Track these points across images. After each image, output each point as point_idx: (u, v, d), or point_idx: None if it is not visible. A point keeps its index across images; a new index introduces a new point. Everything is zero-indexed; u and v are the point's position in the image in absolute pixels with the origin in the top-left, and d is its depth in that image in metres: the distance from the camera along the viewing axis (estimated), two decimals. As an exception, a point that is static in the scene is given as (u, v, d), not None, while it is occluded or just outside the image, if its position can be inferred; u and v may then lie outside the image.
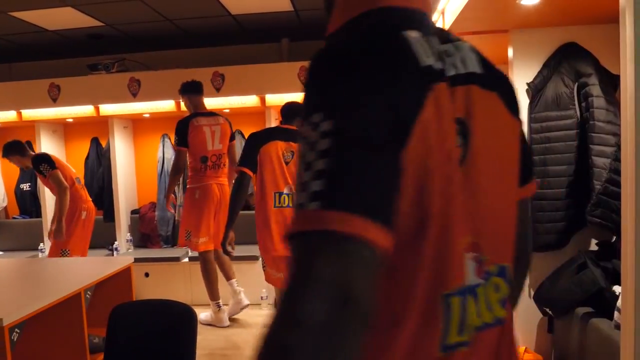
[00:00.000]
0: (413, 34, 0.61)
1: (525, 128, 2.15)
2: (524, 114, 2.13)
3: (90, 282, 2.32)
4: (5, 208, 5.79)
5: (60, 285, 2.22)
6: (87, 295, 2.30)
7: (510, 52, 2.19)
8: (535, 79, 2.17)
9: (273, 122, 5.04)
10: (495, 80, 0.73)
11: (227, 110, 5.09)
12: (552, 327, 2.18)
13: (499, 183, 0.68)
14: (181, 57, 5.56)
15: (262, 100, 4.86)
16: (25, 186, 5.66)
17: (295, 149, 2.88)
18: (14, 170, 5.73)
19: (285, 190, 2.92)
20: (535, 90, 2.16)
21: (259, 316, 4.45)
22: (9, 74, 5.84)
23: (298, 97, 4.07)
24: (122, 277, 2.66)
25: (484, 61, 0.72)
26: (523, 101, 2.14)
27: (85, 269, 2.59)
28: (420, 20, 0.66)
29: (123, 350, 2.19)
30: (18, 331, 1.83)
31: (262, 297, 4.63)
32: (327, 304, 0.48)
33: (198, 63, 5.13)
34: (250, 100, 4.87)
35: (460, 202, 0.59)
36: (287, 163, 2.96)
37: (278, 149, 2.93)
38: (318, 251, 0.50)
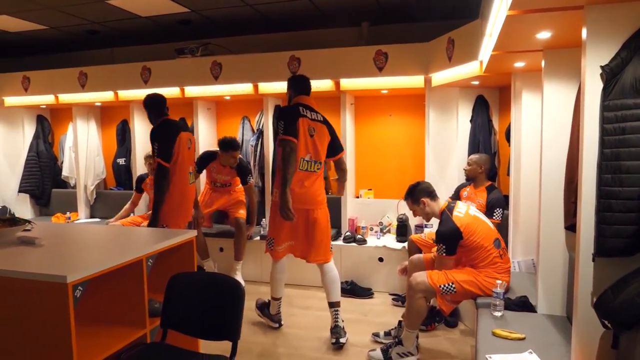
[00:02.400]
0: (301, 108, 3.53)
1: (596, 117, 1.96)
2: (596, 101, 1.94)
3: (152, 251, 2.49)
4: (104, 180, 6.37)
5: (125, 252, 2.41)
6: (149, 263, 2.46)
7: (584, 32, 1.99)
8: (611, 61, 1.94)
9: (347, 106, 5.04)
10: (323, 119, 3.68)
11: (303, 94, 5.16)
12: (617, 343, 1.95)
13: (322, 146, 3.55)
14: (261, 41, 5.71)
15: (337, 84, 4.86)
16: (121, 160, 6.17)
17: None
18: (112, 145, 6.28)
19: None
20: (610, 74, 1.94)
21: (322, 299, 4.50)
22: (112, 58, 6.36)
23: (372, 81, 4.09)
24: (186, 249, 2.83)
25: (319, 113, 3.67)
26: (596, 87, 1.95)
27: (152, 239, 2.78)
28: (304, 106, 3.56)
29: (177, 315, 2.34)
30: (81, 289, 2.01)
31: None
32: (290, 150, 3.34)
33: (276, 47, 5.24)
34: (325, 85, 4.89)
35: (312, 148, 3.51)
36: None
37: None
38: (286, 143, 3.34)
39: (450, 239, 3.12)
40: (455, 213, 3.19)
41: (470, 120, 4.63)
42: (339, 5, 4.84)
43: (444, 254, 3.15)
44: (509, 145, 3.95)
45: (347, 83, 4.82)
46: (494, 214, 3.93)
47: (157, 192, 3.61)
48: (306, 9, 4.93)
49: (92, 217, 6.16)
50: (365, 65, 4.69)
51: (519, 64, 3.33)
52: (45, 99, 6.03)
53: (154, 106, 3.88)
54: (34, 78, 6.06)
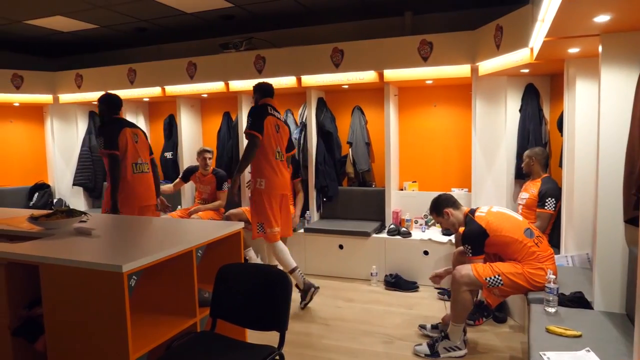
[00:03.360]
0: (269, 107, 4.05)
1: None
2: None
3: (201, 242, 2.54)
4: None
5: (176, 242, 2.47)
6: (199, 254, 2.52)
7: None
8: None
9: (391, 97, 4.97)
10: (284, 120, 4.57)
11: (346, 86, 5.14)
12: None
13: (283, 141, 4.14)
14: (303, 34, 5.71)
15: (380, 75, 4.80)
16: (168, 154, 6.33)
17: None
18: (160, 139, 6.45)
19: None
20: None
21: (367, 292, 4.51)
22: (158, 54, 6.53)
23: (416, 71, 4.03)
24: (233, 241, 2.88)
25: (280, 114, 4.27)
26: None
27: (201, 231, 2.84)
28: (271, 106, 4.10)
29: (226, 305, 2.39)
30: (135, 278, 2.08)
31: (372, 274, 4.66)
32: (253, 145, 3.86)
33: (319, 40, 5.23)
34: (368, 76, 4.84)
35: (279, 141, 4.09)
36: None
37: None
38: (250, 137, 3.85)
39: (475, 238, 3.15)
40: (477, 214, 3.23)
41: (520, 110, 4.47)
42: (382, -5, 4.78)
43: (471, 255, 3.17)
44: (562, 135, 3.80)
45: (390, 74, 4.76)
46: (546, 204, 3.80)
47: (113, 180, 3.93)
48: (349, 1, 4.88)
49: (141, 209, 6.36)
50: (410, 55, 4.61)
51: (574, 50, 3.19)
52: (97, 96, 6.22)
53: (109, 104, 4.18)
54: (86, 75, 6.30)
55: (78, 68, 6.41)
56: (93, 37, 6.23)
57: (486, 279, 3.04)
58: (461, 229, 3.34)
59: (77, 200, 6.63)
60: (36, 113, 6.75)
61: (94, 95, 6.26)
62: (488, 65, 4.27)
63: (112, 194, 3.92)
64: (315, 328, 3.69)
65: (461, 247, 3.73)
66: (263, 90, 4.20)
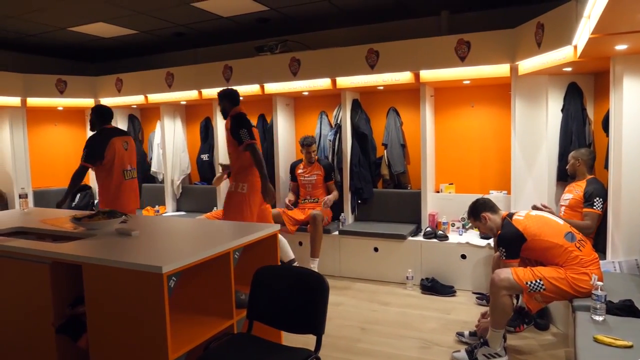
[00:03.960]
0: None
1: None
2: None
3: (239, 244, 2.56)
4: (189, 175, 6.68)
5: (214, 244, 2.49)
6: (236, 256, 2.53)
7: None
8: None
9: (427, 98, 4.90)
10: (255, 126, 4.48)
11: (381, 88, 5.09)
12: None
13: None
14: (338, 36, 5.70)
15: (416, 76, 4.73)
16: (205, 156, 6.42)
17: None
18: (196, 142, 6.56)
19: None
20: None
21: (403, 295, 4.45)
22: (195, 58, 6.64)
23: (453, 71, 3.96)
24: (269, 243, 2.89)
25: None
26: None
27: (238, 233, 2.86)
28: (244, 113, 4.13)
29: (263, 307, 2.39)
30: (175, 279, 2.11)
31: (407, 277, 4.60)
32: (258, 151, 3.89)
33: (354, 41, 5.20)
34: (404, 77, 4.78)
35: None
36: None
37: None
38: (253, 147, 3.89)
39: (511, 241, 3.08)
40: (515, 217, 3.17)
41: (562, 110, 4.32)
42: (418, -5, 4.72)
43: (504, 257, 3.10)
44: (607, 136, 3.65)
45: (427, 74, 4.68)
46: (594, 204, 3.65)
47: (70, 188, 4.14)
48: (385, 1, 4.84)
49: (178, 210, 6.48)
50: (447, 55, 4.53)
51: (621, 47, 3.05)
52: (136, 99, 6.42)
53: (99, 116, 4.32)
54: (126, 80, 6.46)
55: (118, 72, 6.58)
56: (133, 43, 6.39)
57: (527, 283, 2.95)
58: (499, 232, 3.26)
59: (117, 201, 6.80)
60: (78, 116, 6.97)
61: (133, 99, 6.43)
62: (528, 64, 4.15)
63: (65, 196, 4.16)
64: (351, 331, 3.66)
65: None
66: (233, 98, 4.17)
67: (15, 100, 6.05)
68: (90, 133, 4.47)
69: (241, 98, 4.25)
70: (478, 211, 3.34)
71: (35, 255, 2.46)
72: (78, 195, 6.67)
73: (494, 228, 3.30)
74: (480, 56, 4.42)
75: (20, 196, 4.02)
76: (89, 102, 6.68)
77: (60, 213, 3.77)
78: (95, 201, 6.79)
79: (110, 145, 4.16)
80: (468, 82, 4.74)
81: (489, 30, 4.44)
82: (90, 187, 6.87)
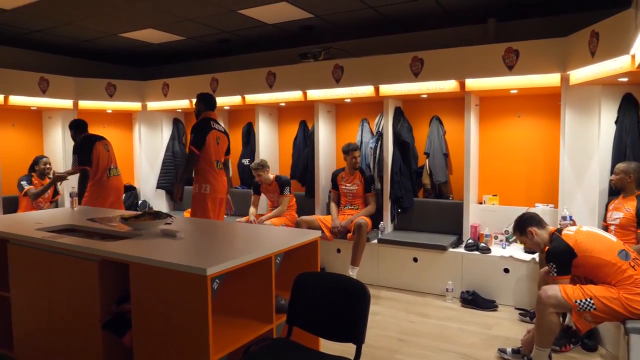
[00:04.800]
0: (211, 122, 4.37)
1: None
2: None
3: (280, 249, 2.56)
4: (230, 179, 6.76)
5: (256, 248, 2.51)
6: (277, 261, 2.54)
7: None
8: None
9: (472, 107, 4.80)
10: (224, 130, 4.57)
11: (425, 96, 5.03)
12: None
13: (223, 151, 4.51)
14: (382, 43, 5.68)
15: (462, 84, 4.65)
16: (246, 161, 6.49)
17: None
18: (238, 146, 6.65)
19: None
20: None
21: (442, 307, 4.36)
22: (238, 64, 6.75)
23: (500, 80, 3.87)
24: (310, 249, 2.88)
25: (221, 125, 4.57)
26: None
27: (279, 237, 2.87)
28: (213, 120, 4.43)
29: (302, 313, 2.38)
30: (218, 281, 2.13)
31: (447, 289, 4.50)
32: (191, 161, 4.28)
33: (398, 48, 5.17)
34: (448, 85, 4.71)
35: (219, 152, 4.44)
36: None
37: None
38: (191, 154, 4.27)
39: (561, 257, 2.97)
40: (564, 232, 3.06)
41: (616, 122, 4.15)
42: (464, 3, 4.64)
43: (555, 274, 2.98)
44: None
45: (472, 83, 4.60)
46: None
47: (81, 189, 4.76)
48: (430, 9, 4.79)
49: (218, 213, 6.57)
50: (494, 64, 4.43)
51: (683, 57, 2.91)
52: (181, 104, 6.57)
53: (77, 128, 5.03)
54: (172, 84, 6.63)
55: (164, 77, 6.77)
56: (179, 48, 6.56)
57: (576, 301, 2.83)
58: (546, 248, 3.15)
59: (159, 202, 6.98)
60: (126, 119, 7.20)
61: (179, 103, 6.59)
62: (581, 74, 4.01)
63: (79, 197, 4.65)
64: (389, 342, 3.60)
65: (546, 267, 3.52)
66: (208, 103, 4.48)
67: (67, 103, 6.30)
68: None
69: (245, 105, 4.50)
70: (524, 226, 3.25)
71: (85, 252, 2.53)
72: (123, 196, 6.86)
73: (541, 243, 3.20)
74: (529, 65, 4.30)
75: (70, 195, 4.17)
76: (136, 106, 6.89)
77: (107, 212, 3.88)
78: (140, 201, 6.99)
79: (95, 149, 4.86)
80: (515, 91, 4.62)
81: (537, 39, 4.33)
82: (135, 188, 7.07)
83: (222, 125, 4.69)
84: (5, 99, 5.64)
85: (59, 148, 6.33)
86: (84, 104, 6.42)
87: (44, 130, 6.55)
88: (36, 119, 6.51)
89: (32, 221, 3.40)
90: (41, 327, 2.83)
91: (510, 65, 4.36)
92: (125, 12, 4.96)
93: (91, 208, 4.43)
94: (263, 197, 5.65)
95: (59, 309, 2.71)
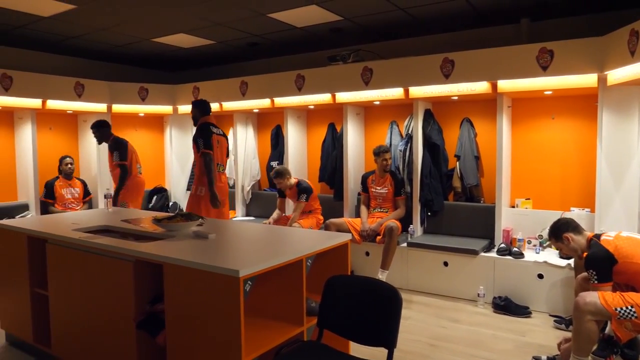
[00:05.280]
0: (211, 125, 4.63)
1: None
2: None
3: (312, 252, 2.56)
4: (258, 181, 6.82)
5: (287, 251, 2.52)
6: (308, 263, 2.53)
7: None
8: None
9: (504, 109, 4.71)
10: (222, 133, 4.78)
11: (455, 98, 4.96)
12: None
13: (223, 153, 4.73)
14: (412, 45, 5.63)
15: (494, 86, 4.57)
16: (275, 163, 6.52)
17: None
18: (267, 149, 6.70)
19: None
20: None
21: (473, 313, 4.28)
22: (267, 68, 6.80)
23: (534, 81, 3.78)
24: (340, 252, 2.87)
25: (219, 129, 4.76)
26: None
27: (310, 240, 2.86)
28: (212, 124, 4.65)
29: (333, 316, 2.37)
30: (250, 283, 2.14)
31: (478, 294, 4.42)
32: (210, 160, 4.44)
33: (427, 50, 5.11)
34: (480, 87, 4.63)
35: (219, 155, 4.66)
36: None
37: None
38: (207, 155, 4.46)
39: (601, 263, 2.87)
40: (603, 237, 2.96)
41: (656, 123, 4.01)
42: (495, 3, 4.57)
43: (596, 282, 2.88)
44: None
45: (505, 84, 4.51)
46: None
47: (120, 185, 5.17)
48: (461, 9, 4.73)
49: (247, 215, 6.63)
50: (527, 64, 4.34)
51: None
52: (211, 107, 6.63)
53: (105, 129, 5.36)
54: (202, 88, 6.73)
55: (195, 81, 6.87)
56: (209, 52, 6.65)
57: (616, 309, 2.73)
58: (584, 254, 3.05)
59: (189, 204, 7.07)
60: (157, 122, 7.33)
61: (209, 107, 6.67)
62: (619, 74, 3.89)
63: (117, 192, 5.17)
64: (420, 346, 3.55)
65: (584, 273, 3.42)
66: (203, 108, 4.77)
67: (102, 107, 6.46)
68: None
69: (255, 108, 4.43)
70: (560, 231, 3.17)
71: (120, 253, 2.58)
72: (155, 197, 7.00)
73: (577, 249, 3.11)
74: (564, 65, 4.20)
75: (105, 196, 4.27)
76: (167, 109, 7.02)
77: (141, 214, 3.96)
78: (170, 203, 7.10)
79: (129, 147, 5.33)
80: (550, 92, 4.51)
81: (572, 39, 4.21)
82: (166, 190, 7.19)
83: (220, 128, 4.86)
84: (43, 103, 5.81)
85: (93, 150, 6.48)
86: (118, 108, 6.58)
87: (79, 133, 6.73)
88: (72, 122, 6.70)
89: (69, 222, 3.49)
90: (78, 325, 2.90)
91: (544, 66, 4.26)
92: (157, 18, 5.05)
93: (125, 209, 4.52)
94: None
95: (95, 307, 2.77)
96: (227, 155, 4.99)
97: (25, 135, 5.87)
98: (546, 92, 4.53)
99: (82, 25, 5.27)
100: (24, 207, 5.84)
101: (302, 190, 5.27)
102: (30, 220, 3.98)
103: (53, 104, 5.93)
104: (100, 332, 2.75)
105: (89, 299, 2.81)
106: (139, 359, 2.54)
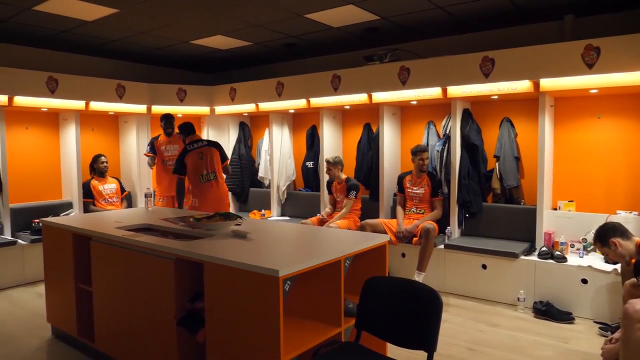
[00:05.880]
0: (189, 145, 5.09)
1: None
2: None
3: (350, 252, 2.55)
4: (293, 181, 6.85)
5: (326, 251, 2.51)
6: (346, 264, 2.52)
7: None
8: None
9: (547, 108, 4.58)
10: (208, 143, 5.16)
11: (495, 97, 4.85)
12: None
13: (212, 161, 5.06)
14: (451, 43, 5.54)
15: (536, 85, 4.44)
16: (310, 164, 6.56)
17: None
18: (302, 149, 6.72)
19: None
20: None
21: (513, 317, 4.17)
22: (303, 68, 6.82)
23: (579, 80, 3.64)
24: (378, 253, 2.84)
25: (200, 139, 5.15)
26: None
27: (348, 241, 2.85)
28: (192, 142, 5.09)
29: (371, 318, 2.35)
30: (289, 283, 2.14)
31: (518, 299, 4.31)
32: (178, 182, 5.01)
33: (466, 48, 5.02)
34: (521, 86, 4.51)
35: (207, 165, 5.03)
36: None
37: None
38: (177, 178, 5.05)
39: None
40: None
41: None
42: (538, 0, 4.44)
43: None
44: None
45: (548, 83, 4.38)
46: None
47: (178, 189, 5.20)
48: (501, 6, 4.62)
49: (282, 215, 6.67)
50: (572, 62, 4.20)
51: None
52: (247, 108, 6.73)
53: (187, 131, 5.32)
54: (239, 89, 6.81)
55: (231, 82, 6.95)
56: (246, 54, 6.72)
57: (669, 318, 2.61)
58: (633, 260, 2.93)
59: (225, 204, 7.17)
60: (195, 123, 7.35)
61: (245, 107, 6.75)
62: (671, 71, 3.72)
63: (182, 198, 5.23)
64: (458, 350, 3.49)
65: (633, 279, 3.28)
66: (187, 131, 5.20)
67: (142, 108, 6.62)
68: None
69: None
70: (606, 236, 3.06)
71: (162, 251, 2.63)
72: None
73: (625, 255, 2.99)
74: (611, 63, 4.04)
75: (145, 195, 4.37)
76: (205, 110, 7.13)
77: (180, 213, 4.03)
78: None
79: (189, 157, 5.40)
80: (595, 91, 4.35)
81: (619, 35, 4.05)
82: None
83: (207, 138, 5.30)
84: (87, 104, 6.00)
85: (133, 150, 6.65)
86: (157, 109, 6.72)
87: (120, 134, 6.92)
88: (113, 123, 6.88)
89: (111, 220, 3.59)
90: (120, 320, 2.98)
91: (590, 64, 4.11)
92: (196, 20, 5.14)
93: (164, 208, 4.62)
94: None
95: (136, 304, 2.84)
96: (225, 159, 5.24)
97: (70, 136, 6.07)
98: (591, 91, 4.37)
99: (123, 28, 5.42)
100: (68, 205, 6.04)
101: (352, 186, 5.35)
102: (75, 218, 4.12)
103: (96, 105, 6.11)
104: (142, 328, 2.81)
105: (130, 295, 2.88)
106: (179, 356, 2.58)
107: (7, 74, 5.27)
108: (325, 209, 5.66)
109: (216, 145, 5.24)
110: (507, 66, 4.54)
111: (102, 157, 6.15)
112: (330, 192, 5.66)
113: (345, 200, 5.32)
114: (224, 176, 5.34)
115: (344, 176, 5.46)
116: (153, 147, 6.05)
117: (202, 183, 4.99)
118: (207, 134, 7.29)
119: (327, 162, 5.46)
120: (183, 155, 5.05)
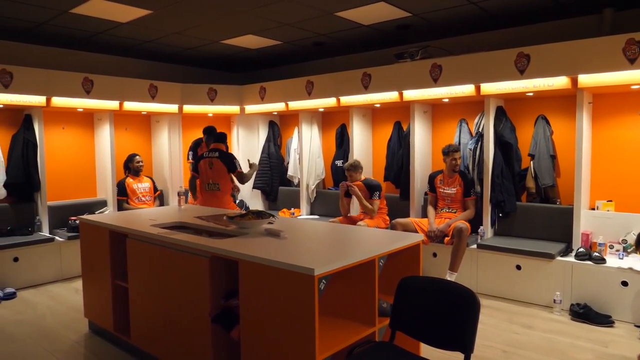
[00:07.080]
0: (204, 153, 5.29)
1: None
2: None
3: (384, 251, 2.52)
4: (323, 180, 6.84)
5: (360, 250, 2.49)
6: (380, 263, 2.50)
7: None
8: None
9: (585, 105, 4.44)
10: (223, 155, 5.12)
11: (531, 94, 4.74)
12: None
13: (218, 173, 5.08)
14: (483, 40, 5.43)
15: (574, 81, 4.31)
16: (339, 162, 6.52)
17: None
18: (331, 148, 6.71)
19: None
20: None
21: (549, 320, 4.07)
22: (332, 67, 6.81)
23: (620, 75, 3.51)
24: (412, 253, 2.81)
25: (216, 149, 5.16)
26: None
27: (381, 240, 2.83)
28: (208, 150, 5.27)
29: (406, 318, 2.32)
30: (324, 282, 2.13)
31: (554, 300, 4.20)
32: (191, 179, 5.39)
33: (502, 45, 4.92)
34: (558, 82, 4.39)
35: (212, 175, 5.13)
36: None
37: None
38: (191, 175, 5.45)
39: None
40: None
41: None
42: (576, -7, 4.32)
43: None
44: None
45: (586, 79, 4.25)
46: None
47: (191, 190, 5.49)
48: (537, 1, 4.50)
49: (312, 214, 6.67)
50: (611, 57, 4.06)
51: None
52: (277, 107, 6.76)
53: (212, 136, 5.54)
54: (268, 88, 6.84)
55: (261, 81, 6.99)
56: (275, 53, 6.75)
57: None
58: None
59: (255, 202, 7.22)
60: (225, 122, 7.53)
61: (275, 106, 6.78)
62: None
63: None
64: (493, 353, 3.42)
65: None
66: (212, 136, 5.45)
67: (173, 108, 6.72)
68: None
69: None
70: None
71: (197, 249, 2.66)
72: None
73: None
74: (654, 58, 3.89)
75: (178, 194, 4.43)
76: (235, 109, 7.19)
77: (209, 211, 4.07)
78: (237, 201, 7.27)
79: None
80: (637, 87, 4.20)
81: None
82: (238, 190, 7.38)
83: (218, 152, 5.15)
84: (120, 105, 6.12)
85: (164, 149, 6.76)
86: (188, 108, 6.82)
87: (152, 133, 7.04)
88: (145, 123, 7.01)
89: (146, 218, 3.65)
90: (155, 316, 3.02)
91: (632, 59, 3.97)
92: (227, 21, 5.18)
93: (197, 206, 4.67)
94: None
95: (172, 300, 2.88)
96: (232, 170, 5.09)
97: (104, 135, 6.21)
98: (633, 87, 4.22)
99: (156, 29, 5.51)
100: (103, 204, 6.18)
101: (371, 187, 5.19)
102: (111, 216, 4.21)
103: (129, 105, 6.23)
104: (177, 324, 2.85)
105: (166, 292, 2.92)
106: (214, 352, 2.61)
107: (45, 76, 5.42)
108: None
109: (226, 158, 5.11)
110: (543, 62, 4.43)
111: (137, 157, 6.28)
112: (348, 196, 5.43)
113: (370, 202, 5.19)
114: (240, 186, 5.61)
115: (362, 177, 5.32)
116: (195, 154, 6.19)
117: (207, 191, 5.14)
118: (237, 133, 7.35)
119: (346, 169, 5.28)
120: (198, 160, 5.28)
